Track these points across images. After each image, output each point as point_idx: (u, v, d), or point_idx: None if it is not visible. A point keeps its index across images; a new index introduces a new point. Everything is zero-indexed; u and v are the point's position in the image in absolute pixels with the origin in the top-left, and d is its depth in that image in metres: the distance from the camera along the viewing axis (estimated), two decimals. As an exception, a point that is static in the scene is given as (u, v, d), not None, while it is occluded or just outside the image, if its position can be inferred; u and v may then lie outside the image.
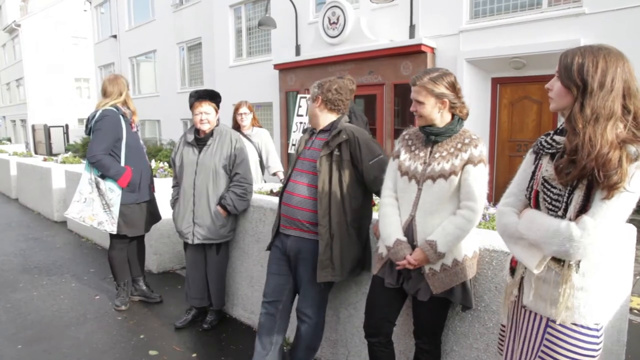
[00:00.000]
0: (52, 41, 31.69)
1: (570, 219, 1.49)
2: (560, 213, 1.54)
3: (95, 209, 3.87)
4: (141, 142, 4.07)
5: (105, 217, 3.85)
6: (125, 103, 3.91)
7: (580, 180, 1.48)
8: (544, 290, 1.59)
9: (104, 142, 3.74)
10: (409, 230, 2.18)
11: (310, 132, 2.86)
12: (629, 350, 2.57)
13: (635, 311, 3.98)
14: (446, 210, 2.13)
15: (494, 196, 8.18)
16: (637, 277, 4.71)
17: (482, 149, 2.11)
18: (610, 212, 1.43)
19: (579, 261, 1.52)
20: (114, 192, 3.82)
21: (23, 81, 32.13)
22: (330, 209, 2.56)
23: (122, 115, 3.85)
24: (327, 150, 2.59)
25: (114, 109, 3.82)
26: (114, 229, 3.86)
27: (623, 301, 2.29)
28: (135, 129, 3.98)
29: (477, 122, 8.15)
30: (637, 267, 4.86)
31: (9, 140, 30.19)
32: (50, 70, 31.66)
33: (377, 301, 2.36)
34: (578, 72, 1.47)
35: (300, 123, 4.88)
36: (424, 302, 2.17)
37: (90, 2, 22.84)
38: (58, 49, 31.89)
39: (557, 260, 1.55)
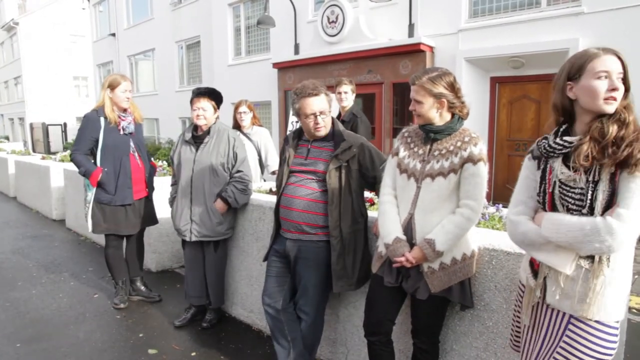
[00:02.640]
0: (51, 39, 31.60)
1: (599, 215, 1.52)
2: (584, 211, 1.55)
3: (84, 204, 4.02)
4: (131, 144, 3.96)
5: (86, 212, 3.95)
6: (105, 105, 3.84)
7: (605, 169, 1.52)
8: (572, 288, 1.60)
9: (79, 141, 3.88)
10: (408, 229, 2.18)
11: (296, 138, 2.80)
12: (628, 349, 2.58)
13: (634, 310, 3.99)
14: (445, 208, 2.13)
15: (493, 195, 8.21)
16: (636, 277, 4.71)
17: (481, 147, 2.11)
18: (638, 199, 1.46)
19: (610, 255, 1.55)
20: (89, 189, 3.89)
21: (21, 79, 32.04)
22: (341, 220, 2.57)
23: (105, 117, 3.84)
24: (337, 164, 2.58)
25: (95, 111, 3.88)
26: (89, 227, 3.93)
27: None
28: (123, 132, 3.90)
29: (476, 121, 8.15)
30: (636, 266, 4.86)
31: (7, 138, 30.12)
32: (49, 68, 31.57)
33: (376, 300, 2.36)
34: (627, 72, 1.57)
35: (296, 122, 4.88)
36: (422, 300, 2.17)
37: (88, 1, 22.79)
38: (56, 47, 31.80)
39: (588, 256, 1.56)
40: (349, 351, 3.02)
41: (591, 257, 1.56)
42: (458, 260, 2.14)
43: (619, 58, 1.55)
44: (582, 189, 1.55)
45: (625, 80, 1.55)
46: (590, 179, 1.53)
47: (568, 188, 1.59)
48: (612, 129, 1.51)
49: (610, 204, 1.51)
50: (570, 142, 1.58)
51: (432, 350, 2.35)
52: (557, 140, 1.63)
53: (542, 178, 1.67)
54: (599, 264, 1.55)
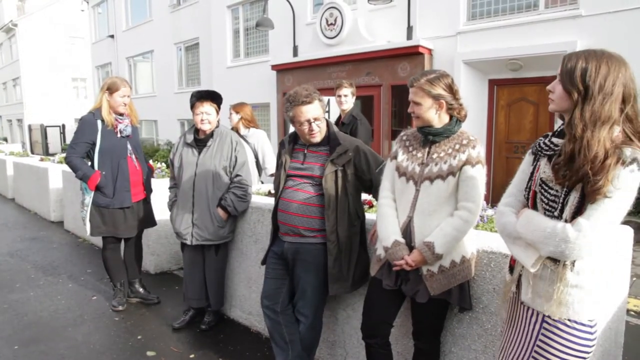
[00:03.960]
0: (49, 41, 31.56)
1: (566, 220, 1.53)
2: (556, 214, 1.57)
3: (80, 207, 3.99)
4: (129, 147, 3.94)
5: (83, 215, 3.93)
6: (102, 107, 3.81)
7: (577, 183, 1.50)
8: (540, 287, 1.63)
9: (75, 144, 3.83)
10: (407, 232, 2.19)
11: (292, 142, 2.79)
12: (626, 351, 2.59)
13: (632, 313, 3.99)
14: (444, 211, 2.14)
15: (491, 197, 8.21)
16: (634, 279, 4.72)
17: (479, 150, 2.12)
18: (605, 214, 1.46)
19: (574, 260, 1.55)
20: (87, 193, 3.87)
21: (20, 81, 31.99)
22: (338, 224, 2.57)
23: (102, 120, 3.82)
24: (333, 168, 2.59)
25: (92, 114, 3.86)
26: (87, 230, 3.91)
27: (620, 303, 2.30)
28: (120, 134, 3.88)
29: (474, 124, 8.17)
30: (634, 269, 4.88)
31: (5, 140, 30.12)
32: (47, 69, 31.52)
33: (375, 302, 2.36)
34: (581, 77, 1.49)
35: None
36: (422, 303, 2.17)
37: (87, 2, 22.79)
38: (55, 48, 31.75)
39: (553, 259, 1.58)
40: (348, 353, 3.02)
41: (555, 259, 1.57)
42: (457, 263, 2.15)
43: (563, 60, 1.54)
44: (557, 191, 1.57)
45: (563, 82, 1.52)
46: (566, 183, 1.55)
47: (547, 188, 1.61)
48: (567, 148, 1.50)
49: (580, 210, 1.52)
50: (556, 145, 1.59)
51: (433, 353, 2.36)
52: (546, 140, 1.65)
53: (531, 174, 1.70)
54: (563, 267, 1.56)
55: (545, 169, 1.62)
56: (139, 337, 3.61)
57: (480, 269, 2.28)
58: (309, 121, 2.58)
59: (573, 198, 1.52)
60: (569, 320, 1.59)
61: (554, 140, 1.62)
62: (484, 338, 2.30)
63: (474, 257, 2.24)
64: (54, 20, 31.69)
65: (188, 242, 3.55)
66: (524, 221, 1.63)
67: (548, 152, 1.62)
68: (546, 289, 1.60)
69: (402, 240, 2.17)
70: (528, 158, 1.76)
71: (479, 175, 2.08)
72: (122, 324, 3.84)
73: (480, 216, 2.72)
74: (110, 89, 3.82)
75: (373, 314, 2.36)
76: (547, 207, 1.61)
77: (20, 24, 31.17)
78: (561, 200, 1.56)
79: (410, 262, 2.10)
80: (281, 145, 2.87)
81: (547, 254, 1.55)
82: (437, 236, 2.08)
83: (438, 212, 2.13)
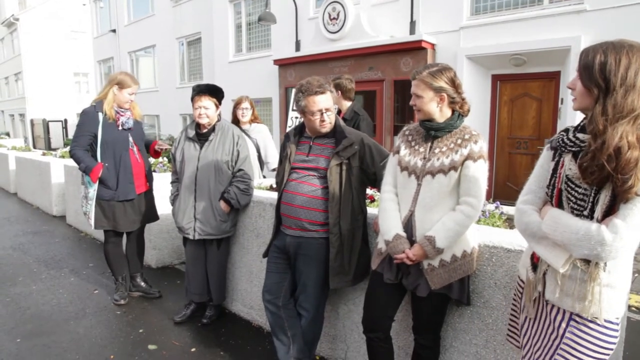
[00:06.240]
0: (51, 35, 31.53)
1: (597, 220, 1.47)
2: (585, 213, 1.51)
3: (82, 201, 3.99)
4: (130, 139, 3.93)
5: (86, 210, 3.93)
6: (106, 100, 3.81)
7: (605, 182, 1.44)
8: (569, 287, 1.58)
9: (78, 137, 3.85)
10: (408, 226, 2.18)
11: (298, 135, 2.80)
12: (627, 347, 2.58)
13: (634, 309, 3.99)
14: (445, 205, 2.13)
15: (494, 193, 8.21)
16: (636, 275, 4.71)
17: (482, 145, 2.11)
18: (638, 214, 1.41)
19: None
20: (90, 186, 3.86)
21: (22, 75, 31.99)
22: (341, 217, 2.57)
23: (103, 113, 3.81)
24: (338, 160, 2.58)
25: (93, 106, 3.86)
26: (91, 223, 3.91)
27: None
28: (122, 127, 3.88)
29: (477, 119, 8.15)
30: (636, 265, 4.87)
31: (8, 134, 30.13)
32: (49, 64, 31.51)
33: (376, 296, 2.36)
34: (600, 72, 1.43)
35: (296, 117, 4.87)
36: (423, 297, 2.17)
37: (89, -4, 22.77)
38: (57, 43, 31.73)
39: (584, 259, 1.53)
40: (349, 347, 3.02)
41: (587, 260, 1.52)
42: (458, 258, 2.15)
43: (580, 56, 1.49)
44: (585, 189, 1.51)
45: (582, 79, 1.48)
46: None
47: (573, 186, 1.54)
48: (592, 145, 1.44)
49: (611, 209, 1.46)
50: (583, 141, 1.52)
51: (434, 347, 2.36)
52: (570, 135, 1.57)
53: (554, 171, 1.63)
54: (595, 267, 1.51)
55: (570, 166, 1.55)
56: (140, 330, 3.62)
57: (481, 264, 2.28)
58: (321, 111, 2.58)
59: (604, 197, 1.46)
60: (598, 318, 1.56)
61: (579, 135, 1.54)
62: (485, 332, 2.30)
63: (475, 251, 2.23)
64: (56, 14, 31.64)
65: (190, 237, 3.55)
66: (551, 221, 1.56)
67: (573, 149, 1.55)
68: (576, 288, 1.56)
69: (404, 234, 2.16)
70: (547, 153, 1.69)
71: (481, 170, 2.07)
72: (123, 317, 3.85)
73: (482, 211, 2.71)
74: (121, 84, 3.82)
75: (374, 308, 2.36)
76: (575, 206, 1.54)
77: (22, 18, 31.14)
78: (591, 200, 1.49)
79: (411, 256, 2.10)
80: (286, 137, 2.86)
81: (580, 256, 1.49)
82: (438, 230, 2.08)
83: (439, 206, 2.13)
